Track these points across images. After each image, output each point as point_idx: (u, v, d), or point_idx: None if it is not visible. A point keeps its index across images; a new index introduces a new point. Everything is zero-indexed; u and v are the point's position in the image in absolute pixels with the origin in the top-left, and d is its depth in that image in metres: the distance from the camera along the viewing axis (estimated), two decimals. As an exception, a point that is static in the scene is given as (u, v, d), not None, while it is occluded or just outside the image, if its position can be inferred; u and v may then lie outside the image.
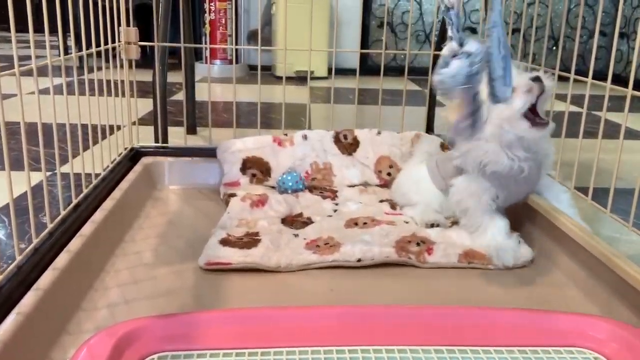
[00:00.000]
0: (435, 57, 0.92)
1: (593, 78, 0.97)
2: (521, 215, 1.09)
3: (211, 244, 0.96)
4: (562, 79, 1.06)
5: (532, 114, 0.93)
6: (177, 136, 1.47)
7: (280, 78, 1.34)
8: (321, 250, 0.95)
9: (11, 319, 0.66)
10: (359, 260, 0.93)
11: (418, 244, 0.98)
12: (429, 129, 1.58)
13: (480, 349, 0.67)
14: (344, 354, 0.66)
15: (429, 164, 1.15)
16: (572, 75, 1.03)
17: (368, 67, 3.44)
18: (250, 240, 0.98)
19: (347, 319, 0.72)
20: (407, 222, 1.09)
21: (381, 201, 1.19)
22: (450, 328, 0.70)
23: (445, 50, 0.76)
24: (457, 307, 0.78)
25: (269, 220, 1.07)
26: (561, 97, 1.08)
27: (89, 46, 1.02)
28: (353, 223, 1.07)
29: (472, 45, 0.75)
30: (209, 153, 1.30)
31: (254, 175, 1.24)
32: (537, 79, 0.91)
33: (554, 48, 3.49)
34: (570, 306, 0.85)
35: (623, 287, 0.80)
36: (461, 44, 0.75)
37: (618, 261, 0.81)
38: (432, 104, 1.59)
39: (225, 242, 0.97)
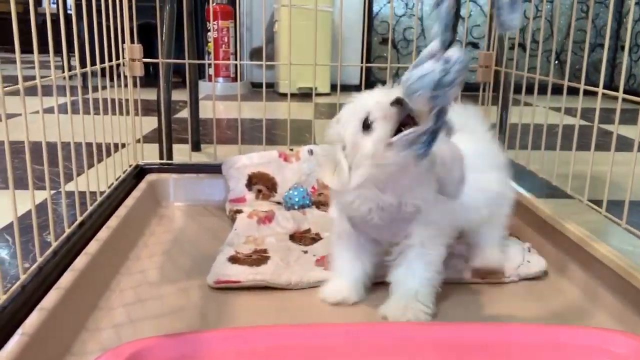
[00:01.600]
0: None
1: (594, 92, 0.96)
2: (528, 226, 1.07)
3: (219, 262, 0.94)
4: (569, 92, 1.05)
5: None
6: (181, 153, 1.46)
7: (283, 95, 1.34)
8: None
9: (15, 339, 0.64)
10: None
11: None
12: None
13: (498, 366, 0.65)
14: (357, 373, 0.64)
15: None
16: (581, 86, 1.02)
17: (371, 83, 3.42)
18: (259, 258, 0.96)
19: (359, 337, 0.70)
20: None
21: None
22: (466, 345, 0.68)
23: (425, 50, 0.65)
24: (472, 323, 0.76)
25: (277, 236, 1.05)
26: (568, 111, 1.06)
27: (93, 63, 1.01)
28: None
29: (454, 51, 0.63)
30: (214, 169, 1.28)
31: (259, 191, 1.22)
32: (397, 102, 0.73)
33: (556, 62, 3.49)
34: (587, 321, 0.83)
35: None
36: (446, 47, 0.63)
37: (635, 273, 0.79)
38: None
39: (233, 259, 0.95)
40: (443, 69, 0.62)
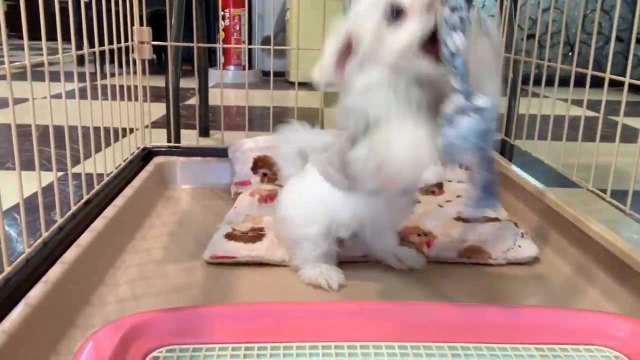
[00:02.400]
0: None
1: (609, 84, 0.95)
2: (528, 207, 1.07)
3: (216, 238, 0.97)
4: (577, 84, 1.04)
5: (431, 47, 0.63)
6: (189, 138, 1.46)
7: (294, 83, 1.34)
8: None
9: (19, 310, 0.65)
10: (364, 255, 0.93)
11: (419, 235, 0.98)
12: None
13: (496, 346, 0.65)
14: (356, 349, 0.64)
15: (317, 166, 0.86)
16: (589, 72, 1.01)
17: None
18: (255, 235, 0.98)
19: (359, 315, 0.70)
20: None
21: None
22: (466, 325, 0.69)
23: (449, 107, 0.61)
24: (472, 304, 0.76)
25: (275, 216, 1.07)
26: (577, 102, 1.05)
27: (102, 45, 1.02)
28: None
29: (484, 100, 0.60)
30: (221, 153, 1.29)
31: (265, 175, 1.23)
32: None
33: (570, 54, 3.46)
34: (587, 304, 0.83)
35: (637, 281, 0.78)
36: (467, 98, 0.60)
37: (631, 253, 0.79)
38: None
39: (230, 236, 0.97)
40: (483, 120, 0.60)
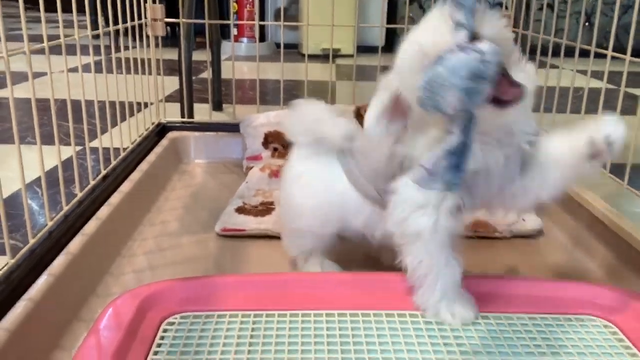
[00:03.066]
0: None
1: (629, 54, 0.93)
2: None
3: (227, 212, 1.01)
4: (597, 55, 1.03)
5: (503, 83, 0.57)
6: (202, 113, 1.50)
7: (308, 56, 1.35)
8: None
9: (43, 280, 0.70)
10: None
11: None
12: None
13: (491, 315, 0.69)
14: (357, 317, 0.68)
15: (342, 158, 0.78)
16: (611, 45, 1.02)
17: (395, 45, 3.41)
18: (264, 209, 1.02)
19: (361, 285, 0.74)
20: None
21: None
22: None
23: (446, 41, 0.54)
24: (468, 275, 0.79)
25: None
26: (596, 75, 1.04)
27: (116, 23, 1.05)
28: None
29: (486, 44, 0.53)
30: (234, 128, 1.32)
31: (275, 150, 1.26)
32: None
33: (587, 24, 3.41)
34: (583, 276, 0.86)
35: (635, 256, 0.81)
36: (472, 38, 0.54)
37: (635, 233, 0.82)
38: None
39: (240, 210, 1.02)
40: (480, 59, 0.52)
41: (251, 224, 0.96)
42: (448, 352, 0.62)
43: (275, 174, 1.16)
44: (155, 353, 0.62)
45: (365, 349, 0.63)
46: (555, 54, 1.16)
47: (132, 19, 1.14)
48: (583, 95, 1.04)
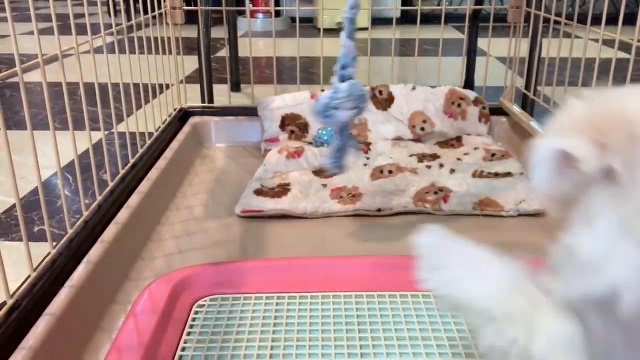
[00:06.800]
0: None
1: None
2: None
3: (246, 194, 1.07)
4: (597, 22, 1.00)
5: None
6: (222, 93, 1.53)
7: (323, 30, 1.37)
8: (344, 200, 1.04)
9: (82, 267, 0.76)
10: (378, 210, 1.02)
11: (435, 192, 1.05)
12: (468, 82, 1.58)
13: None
14: (373, 298, 0.73)
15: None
16: None
17: (413, 16, 3.39)
18: (281, 190, 1.07)
19: (376, 268, 0.79)
20: (428, 167, 1.15)
21: (411, 155, 1.24)
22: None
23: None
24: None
25: (302, 171, 1.16)
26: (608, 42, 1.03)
27: (136, 12, 1.09)
28: (379, 171, 1.14)
29: (344, 85, 0.81)
30: (252, 112, 1.36)
31: (292, 132, 1.30)
32: None
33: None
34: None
35: None
36: (342, 81, 0.82)
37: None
38: (472, 54, 1.59)
39: (258, 192, 1.07)
40: (331, 96, 0.81)
41: (268, 204, 1.02)
42: (457, 330, 0.67)
43: (293, 155, 1.20)
44: (189, 334, 0.68)
45: (380, 329, 0.68)
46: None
47: (153, 10, 1.18)
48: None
